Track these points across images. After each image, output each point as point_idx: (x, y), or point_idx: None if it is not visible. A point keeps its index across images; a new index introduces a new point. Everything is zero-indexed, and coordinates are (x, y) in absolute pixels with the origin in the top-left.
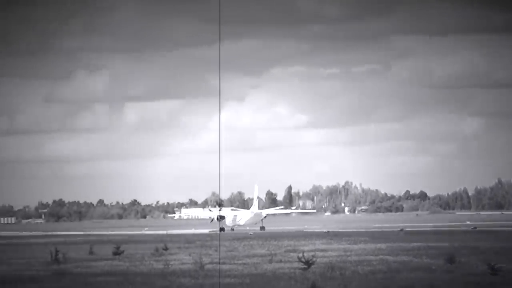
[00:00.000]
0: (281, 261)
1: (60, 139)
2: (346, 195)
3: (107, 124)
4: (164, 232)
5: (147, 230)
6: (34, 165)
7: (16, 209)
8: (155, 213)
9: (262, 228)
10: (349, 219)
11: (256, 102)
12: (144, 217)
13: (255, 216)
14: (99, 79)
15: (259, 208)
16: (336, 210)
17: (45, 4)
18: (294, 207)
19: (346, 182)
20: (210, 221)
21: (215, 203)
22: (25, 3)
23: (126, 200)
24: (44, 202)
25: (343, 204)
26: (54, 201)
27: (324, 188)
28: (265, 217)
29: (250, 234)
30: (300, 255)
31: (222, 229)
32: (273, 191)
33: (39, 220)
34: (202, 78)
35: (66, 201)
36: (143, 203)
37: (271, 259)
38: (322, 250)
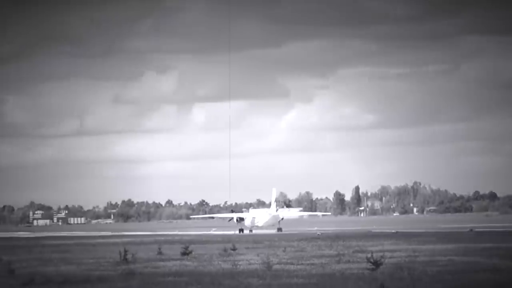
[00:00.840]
0: (349, 262)
1: (129, 140)
2: (415, 195)
3: (175, 124)
4: (232, 232)
5: (215, 230)
6: (103, 166)
7: (85, 209)
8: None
9: (280, 229)
10: (417, 220)
11: (323, 103)
12: (212, 217)
13: (272, 218)
14: (168, 80)
15: (276, 211)
16: (404, 211)
17: (115, 6)
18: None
19: (415, 183)
20: (228, 220)
21: (283, 203)
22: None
23: (194, 200)
24: (113, 202)
25: (411, 205)
26: (123, 202)
27: (393, 188)
28: (282, 219)
29: (318, 235)
30: (369, 255)
31: (241, 230)
32: (341, 192)
33: (108, 220)
34: (270, 78)
35: (135, 201)
36: (211, 204)
37: (339, 259)
38: (390, 251)
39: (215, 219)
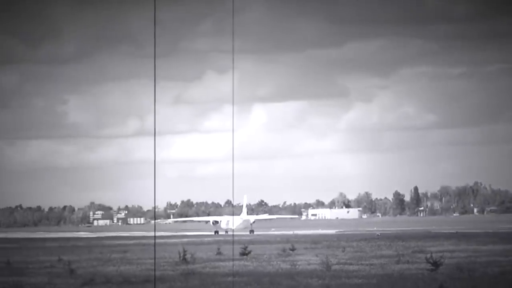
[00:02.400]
0: (408, 262)
1: (189, 140)
2: (475, 195)
3: (235, 124)
4: (291, 232)
5: (274, 230)
6: (163, 166)
7: (145, 209)
8: (282, 214)
9: (252, 231)
10: (478, 220)
11: (383, 103)
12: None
13: (244, 222)
14: (228, 80)
15: (247, 214)
16: (464, 211)
17: (176, 6)
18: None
19: (475, 183)
20: (205, 222)
21: (342, 204)
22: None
23: (253, 200)
24: (173, 202)
25: (471, 205)
26: (182, 202)
27: (453, 188)
28: (253, 222)
29: (378, 235)
30: (428, 255)
31: (216, 232)
32: (401, 192)
33: (167, 221)
34: (330, 78)
35: (194, 201)
36: (270, 204)
37: (399, 260)
38: (450, 251)
39: (194, 222)
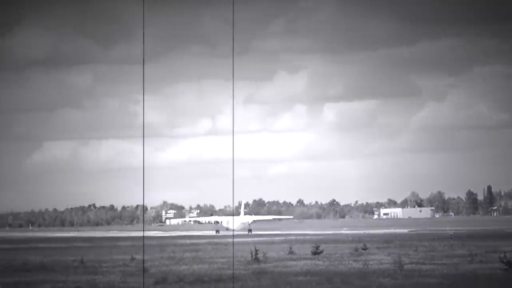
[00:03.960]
0: (481, 262)
1: (260, 139)
2: None
3: (306, 124)
4: (362, 231)
5: (346, 230)
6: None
7: (217, 209)
8: (354, 213)
9: (250, 231)
10: None
11: (456, 101)
12: (343, 217)
13: (241, 224)
14: (299, 80)
15: (244, 215)
16: None
17: (248, 6)
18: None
19: None
20: (208, 222)
21: (414, 203)
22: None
23: (325, 200)
24: (244, 202)
25: None
26: (254, 201)
27: None
28: (251, 222)
29: (450, 234)
30: (502, 255)
31: (217, 231)
32: (474, 191)
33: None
34: (401, 77)
35: (266, 200)
36: (341, 203)
37: (472, 259)
38: None
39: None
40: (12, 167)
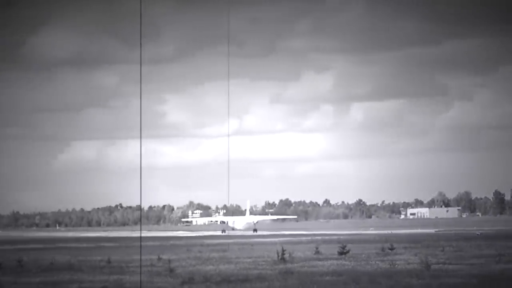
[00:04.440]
0: (510, 262)
1: (287, 139)
2: None
3: (333, 123)
4: (389, 231)
5: (373, 230)
6: (261, 165)
7: (243, 209)
8: (381, 213)
9: (255, 230)
10: None
11: (483, 101)
12: (370, 217)
13: (247, 224)
14: (326, 80)
15: (250, 215)
16: None
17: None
18: (296, 215)
19: None
20: (210, 222)
21: (441, 203)
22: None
23: (351, 200)
24: (271, 202)
25: None
26: (280, 201)
27: None
28: (256, 222)
29: (477, 234)
30: None
31: (223, 231)
32: (501, 191)
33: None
34: (428, 77)
35: (292, 200)
36: (368, 203)
37: (499, 259)
38: None
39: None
40: (39, 167)
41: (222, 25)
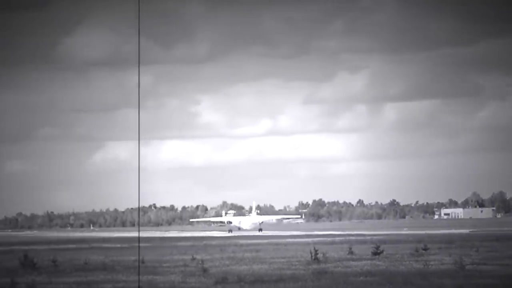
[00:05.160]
0: None
1: (321, 139)
2: None
3: (367, 124)
4: (423, 232)
5: (406, 230)
6: (294, 165)
7: (277, 209)
8: (414, 213)
9: (260, 230)
10: None
11: None
12: (403, 217)
13: (252, 224)
14: (360, 80)
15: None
16: None
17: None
18: (297, 216)
19: None
20: (220, 223)
21: (475, 203)
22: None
23: (385, 200)
24: (304, 202)
25: None
26: (314, 201)
27: None
28: (261, 222)
29: None
30: None
31: (230, 231)
32: None
33: (299, 220)
34: (462, 77)
35: (326, 201)
36: (402, 203)
37: None
38: None
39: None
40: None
41: (256, 26)
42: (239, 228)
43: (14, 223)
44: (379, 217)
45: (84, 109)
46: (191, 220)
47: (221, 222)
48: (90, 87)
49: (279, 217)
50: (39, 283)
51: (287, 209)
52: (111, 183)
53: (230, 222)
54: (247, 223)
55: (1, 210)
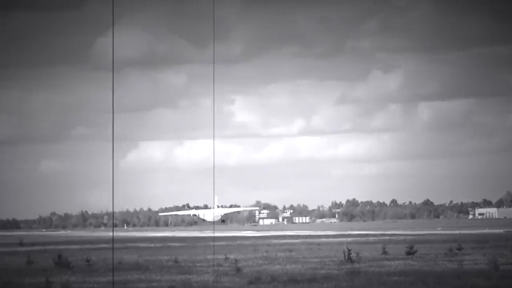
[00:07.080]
0: None
1: (354, 139)
2: None
3: (400, 123)
4: (457, 232)
5: (440, 230)
6: (328, 165)
7: (310, 208)
8: (448, 213)
9: (223, 221)
10: None
11: None
12: (437, 216)
13: (214, 216)
14: (394, 79)
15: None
16: None
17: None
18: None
19: None
20: (191, 215)
21: (510, 202)
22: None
23: (418, 199)
24: (338, 201)
25: None
26: (347, 201)
27: None
28: (223, 214)
29: None
30: None
31: (195, 222)
32: None
33: (332, 220)
34: (496, 76)
35: (359, 200)
36: (436, 203)
37: None
38: None
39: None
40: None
41: (289, 25)
42: (204, 220)
43: (48, 222)
44: (413, 217)
45: (118, 109)
46: (160, 214)
47: (188, 215)
48: (124, 87)
49: (240, 209)
50: (73, 282)
51: (321, 209)
52: (144, 183)
53: (195, 215)
54: (210, 215)
55: (35, 210)
